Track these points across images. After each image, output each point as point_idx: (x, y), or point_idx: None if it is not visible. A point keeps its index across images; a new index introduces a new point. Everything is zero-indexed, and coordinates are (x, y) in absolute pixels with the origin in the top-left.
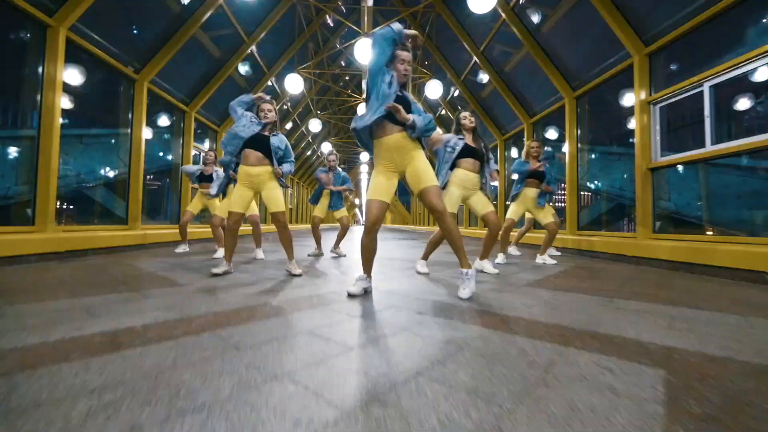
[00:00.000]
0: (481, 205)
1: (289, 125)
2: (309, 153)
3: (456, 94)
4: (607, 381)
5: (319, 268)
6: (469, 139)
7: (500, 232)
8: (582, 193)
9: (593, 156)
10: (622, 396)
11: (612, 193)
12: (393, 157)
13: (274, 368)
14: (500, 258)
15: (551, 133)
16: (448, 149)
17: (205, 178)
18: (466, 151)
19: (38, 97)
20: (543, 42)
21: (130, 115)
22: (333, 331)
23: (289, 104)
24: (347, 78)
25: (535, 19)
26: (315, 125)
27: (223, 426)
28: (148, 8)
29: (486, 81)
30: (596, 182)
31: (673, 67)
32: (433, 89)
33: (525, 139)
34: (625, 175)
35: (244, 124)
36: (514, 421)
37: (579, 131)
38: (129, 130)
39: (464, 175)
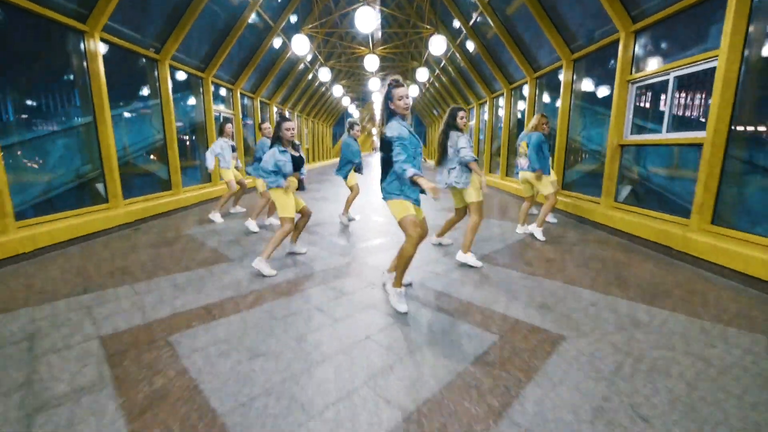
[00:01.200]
0: (472, 195)
1: (301, 67)
2: (321, 92)
3: (463, 35)
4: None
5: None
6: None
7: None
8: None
9: (586, 118)
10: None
11: (598, 151)
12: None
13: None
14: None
15: (552, 89)
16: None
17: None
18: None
19: (87, 93)
20: (545, 3)
21: (158, 93)
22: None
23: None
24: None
25: None
26: (324, 74)
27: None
28: None
29: (493, 29)
30: (586, 140)
31: (653, 49)
32: (437, 45)
33: (528, 95)
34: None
35: (281, 160)
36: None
37: (573, 92)
38: (159, 106)
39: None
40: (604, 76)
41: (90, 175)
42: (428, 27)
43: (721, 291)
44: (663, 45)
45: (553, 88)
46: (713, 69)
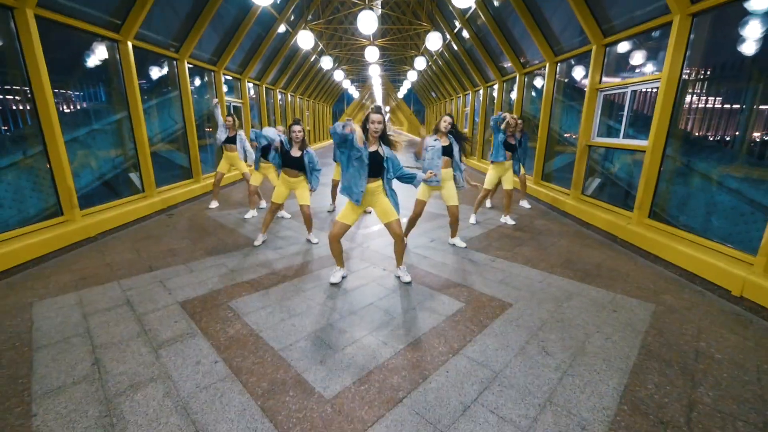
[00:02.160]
0: (450, 198)
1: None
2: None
3: (459, 28)
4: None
5: None
6: (444, 139)
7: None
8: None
9: (566, 112)
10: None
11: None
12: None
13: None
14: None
15: (538, 82)
16: (428, 151)
17: (229, 140)
18: (443, 151)
19: (123, 91)
20: (532, 5)
21: (177, 87)
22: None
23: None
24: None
25: None
26: (327, 62)
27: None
28: None
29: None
30: (564, 133)
31: (618, 63)
32: (433, 41)
33: (517, 90)
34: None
35: (281, 140)
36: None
37: (555, 90)
38: (179, 101)
39: (444, 174)
40: (581, 80)
41: (127, 166)
42: (424, 24)
43: (644, 273)
44: (627, 60)
45: (540, 84)
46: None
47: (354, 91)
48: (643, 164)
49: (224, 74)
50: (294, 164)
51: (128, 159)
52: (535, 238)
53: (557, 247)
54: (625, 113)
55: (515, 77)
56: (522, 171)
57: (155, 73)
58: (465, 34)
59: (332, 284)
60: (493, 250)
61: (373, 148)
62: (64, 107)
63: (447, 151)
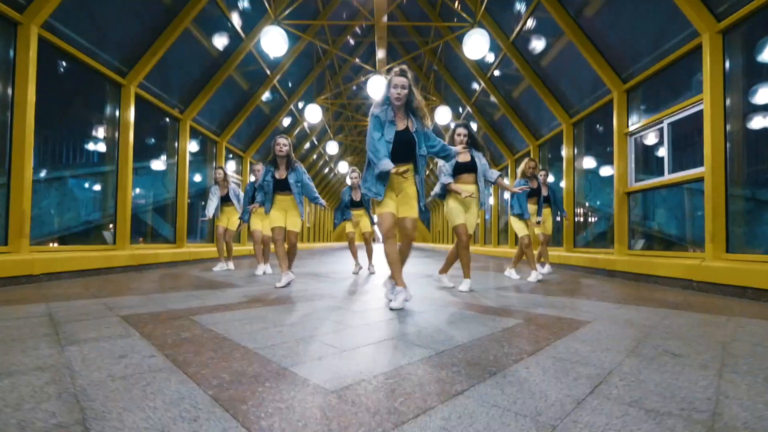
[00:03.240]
0: (471, 223)
1: (307, 145)
2: (326, 171)
3: (467, 111)
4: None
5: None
6: (463, 155)
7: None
8: (579, 210)
9: (589, 177)
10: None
11: (607, 212)
12: (393, 185)
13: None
14: (533, 276)
15: (556, 155)
16: (445, 167)
17: (223, 199)
18: (461, 167)
19: (116, 139)
20: (541, 72)
21: (176, 149)
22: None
23: (306, 127)
24: (360, 104)
25: (533, 51)
26: (332, 147)
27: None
28: (194, 56)
29: (494, 103)
30: (592, 201)
31: (645, 103)
32: (443, 114)
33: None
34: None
35: (267, 180)
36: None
37: (575, 154)
38: (175, 163)
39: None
40: (602, 134)
41: (104, 219)
42: (434, 99)
43: (743, 305)
44: (653, 98)
45: (556, 153)
46: (700, 111)
47: None
48: (705, 193)
49: (227, 147)
50: (282, 187)
51: (106, 216)
52: (589, 287)
53: (621, 292)
54: (666, 148)
55: (529, 151)
56: (548, 224)
57: (154, 132)
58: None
59: (393, 310)
60: (540, 292)
61: (400, 126)
62: (51, 142)
63: (468, 167)
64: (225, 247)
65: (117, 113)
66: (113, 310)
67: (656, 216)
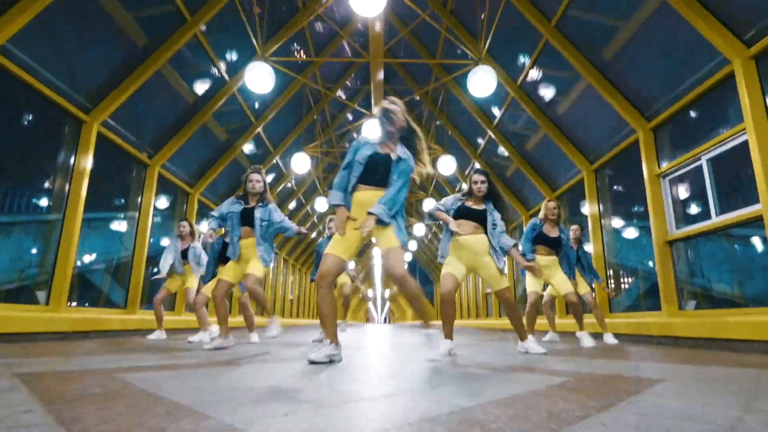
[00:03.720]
0: (493, 279)
1: (293, 204)
2: (314, 235)
3: (473, 164)
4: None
5: None
6: (475, 202)
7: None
8: (617, 273)
9: (618, 229)
10: None
11: (644, 269)
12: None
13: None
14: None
15: (575, 208)
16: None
17: (183, 253)
18: (465, 213)
19: (66, 186)
20: (555, 117)
21: (139, 199)
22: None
23: (293, 183)
24: None
25: (544, 95)
26: (321, 204)
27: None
28: (170, 96)
29: (504, 154)
30: (624, 257)
31: (676, 140)
32: (446, 165)
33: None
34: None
35: (232, 211)
36: None
37: (600, 205)
38: (136, 214)
39: (462, 239)
40: (628, 179)
41: (43, 276)
42: (437, 147)
43: None
44: (684, 135)
45: (575, 205)
46: (743, 143)
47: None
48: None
49: (200, 201)
50: (246, 220)
51: (43, 273)
52: (641, 352)
53: (687, 355)
54: (709, 187)
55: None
56: (583, 287)
57: (117, 177)
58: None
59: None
60: (580, 355)
61: (383, 150)
62: None
63: (477, 215)
64: (161, 314)
65: (74, 153)
66: (11, 368)
67: (704, 271)
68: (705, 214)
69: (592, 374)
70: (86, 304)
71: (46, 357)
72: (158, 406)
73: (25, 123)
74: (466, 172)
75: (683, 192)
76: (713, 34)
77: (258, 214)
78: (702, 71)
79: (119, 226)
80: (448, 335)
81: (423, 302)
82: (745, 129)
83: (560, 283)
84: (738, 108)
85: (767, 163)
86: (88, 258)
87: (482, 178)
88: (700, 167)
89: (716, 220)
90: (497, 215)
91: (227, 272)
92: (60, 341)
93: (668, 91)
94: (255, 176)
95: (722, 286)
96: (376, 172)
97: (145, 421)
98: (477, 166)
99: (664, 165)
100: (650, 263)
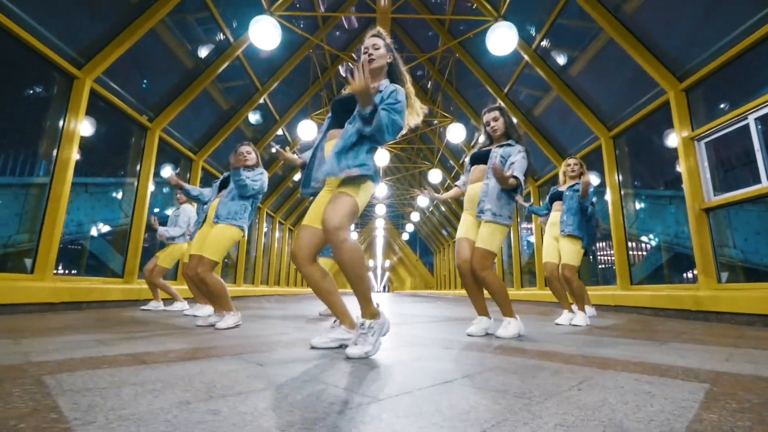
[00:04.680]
0: (479, 238)
1: (298, 176)
2: None
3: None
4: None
5: None
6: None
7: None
8: (633, 246)
9: (640, 201)
10: None
11: (668, 241)
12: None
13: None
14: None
15: (593, 176)
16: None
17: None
18: (475, 158)
19: (55, 147)
20: (571, 82)
21: (138, 165)
22: None
23: (298, 151)
24: None
25: (561, 60)
26: None
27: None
28: (168, 57)
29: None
30: (649, 228)
31: (714, 100)
32: (456, 133)
33: None
34: (678, 220)
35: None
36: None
37: (620, 174)
38: (135, 180)
39: (470, 190)
40: (654, 146)
41: (24, 245)
42: (447, 116)
43: None
44: (723, 95)
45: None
46: None
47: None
48: None
49: (204, 168)
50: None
51: (31, 239)
52: (694, 332)
53: (764, 338)
54: (758, 149)
55: (556, 175)
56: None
57: (115, 140)
58: None
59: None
60: (620, 335)
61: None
62: None
63: (480, 157)
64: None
65: (63, 112)
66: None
67: (738, 243)
68: (750, 180)
69: (728, 376)
70: (77, 273)
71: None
72: None
73: (10, 78)
74: (472, 143)
75: (721, 157)
76: None
77: (235, 175)
78: (748, 23)
79: (116, 192)
80: (479, 311)
81: (361, 276)
82: None
83: (563, 247)
84: None
85: None
86: (83, 224)
87: (493, 115)
88: (746, 127)
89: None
90: (511, 149)
91: (196, 243)
92: (41, 313)
93: (703, 49)
94: (245, 147)
95: (763, 259)
96: (345, 111)
97: None
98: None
99: (699, 128)
100: (671, 235)
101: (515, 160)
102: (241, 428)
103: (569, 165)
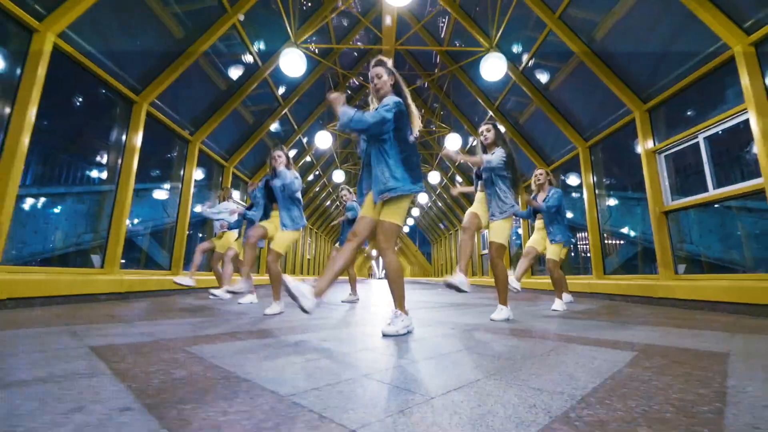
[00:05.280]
0: (492, 233)
1: (311, 177)
2: (328, 203)
3: (475, 143)
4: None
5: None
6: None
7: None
8: (607, 241)
9: (612, 202)
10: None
11: (635, 237)
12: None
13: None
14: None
15: (572, 180)
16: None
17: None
18: (479, 175)
19: (119, 160)
20: (552, 99)
21: (182, 171)
22: None
23: (312, 156)
24: None
25: (544, 79)
26: (338, 176)
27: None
28: (209, 80)
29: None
30: (618, 225)
31: (672, 120)
32: (453, 141)
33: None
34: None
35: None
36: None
37: (595, 178)
38: (180, 184)
39: (479, 195)
40: (623, 155)
41: (98, 241)
42: (445, 126)
43: None
44: (680, 115)
45: (570, 178)
46: (743, 123)
47: None
48: None
49: (234, 173)
50: (272, 195)
51: (99, 238)
52: (649, 316)
53: (705, 320)
54: (706, 162)
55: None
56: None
57: (162, 152)
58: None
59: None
60: (589, 318)
61: None
62: (49, 154)
63: (481, 174)
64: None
65: (125, 131)
66: (82, 339)
67: (694, 239)
68: (701, 187)
69: (657, 348)
70: (129, 266)
71: (109, 322)
72: (257, 396)
73: (83, 103)
74: (467, 148)
75: (678, 167)
76: (713, 21)
77: (276, 183)
78: (699, 57)
79: (164, 195)
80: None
81: (398, 284)
82: (746, 108)
83: (548, 246)
84: (735, 91)
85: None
86: (136, 224)
87: (486, 127)
88: (696, 145)
89: (714, 192)
90: (495, 154)
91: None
92: (113, 302)
93: (664, 76)
94: (277, 152)
95: (713, 252)
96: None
97: (258, 423)
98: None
99: (660, 143)
100: (639, 231)
101: (492, 155)
102: (349, 366)
103: (536, 175)
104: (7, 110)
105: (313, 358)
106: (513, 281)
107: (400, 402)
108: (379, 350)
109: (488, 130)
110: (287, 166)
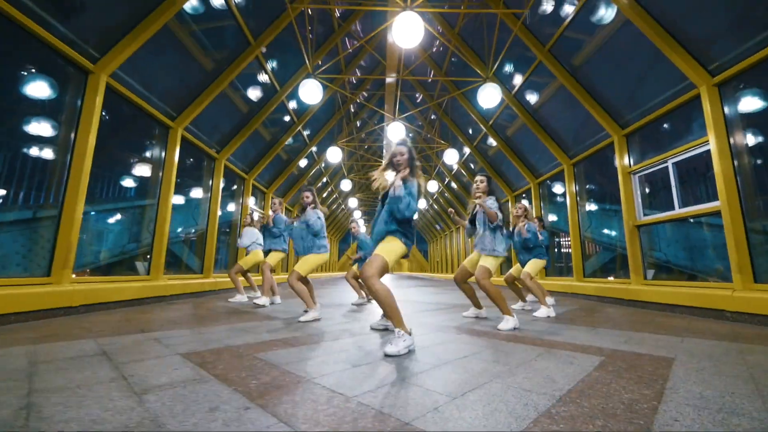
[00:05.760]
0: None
1: (320, 184)
2: (335, 207)
3: (468, 154)
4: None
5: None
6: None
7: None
8: (588, 245)
9: (593, 212)
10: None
11: (612, 244)
12: None
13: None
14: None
15: (558, 189)
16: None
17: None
18: (472, 220)
19: (159, 180)
20: (540, 119)
21: (210, 182)
22: None
23: (322, 166)
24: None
25: (533, 101)
26: (345, 185)
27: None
28: (231, 106)
29: (495, 146)
30: (597, 234)
31: (646, 145)
32: (450, 156)
33: (533, 198)
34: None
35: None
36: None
37: (578, 192)
38: (209, 195)
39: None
40: (603, 173)
41: (141, 249)
42: (443, 142)
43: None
44: (653, 141)
45: (556, 190)
46: (706, 152)
47: (362, 225)
48: (725, 226)
49: (253, 185)
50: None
51: (141, 247)
52: (619, 319)
53: (664, 323)
54: (674, 185)
55: (529, 189)
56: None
57: (193, 169)
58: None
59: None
60: (568, 322)
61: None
62: (101, 176)
63: (473, 219)
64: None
65: (163, 152)
66: (169, 347)
67: (662, 248)
68: (668, 205)
69: (618, 353)
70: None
71: (172, 328)
72: (333, 398)
73: (127, 129)
74: (463, 160)
75: (650, 187)
76: (682, 63)
77: (304, 223)
78: (670, 92)
79: (195, 206)
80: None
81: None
82: (708, 141)
83: (528, 262)
84: (699, 123)
85: (726, 168)
86: (172, 233)
87: (480, 178)
88: (666, 168)
89: (680, 210)
90: (487, 202)
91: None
92: (158, 305)
93: (640, 106)
94: (305, 192)
95: (677, 260)
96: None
97: (354, 420)
98: (473, 156)
99: (635, 165)
100: (617, 239)
101: (488, 203)
102: (389, 371)
103: (476, 182)
104: (72, 136)
105: (357, 364)
106: (548, 310)
107: (432, 401)
108: (404, 357)
109: (482, 182)
110: (313, 206)
